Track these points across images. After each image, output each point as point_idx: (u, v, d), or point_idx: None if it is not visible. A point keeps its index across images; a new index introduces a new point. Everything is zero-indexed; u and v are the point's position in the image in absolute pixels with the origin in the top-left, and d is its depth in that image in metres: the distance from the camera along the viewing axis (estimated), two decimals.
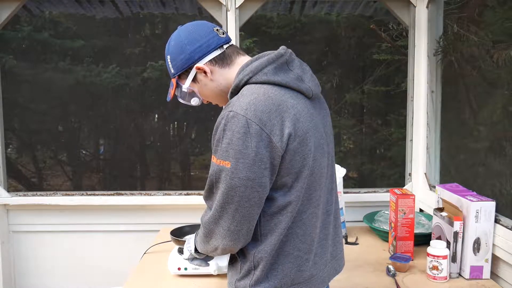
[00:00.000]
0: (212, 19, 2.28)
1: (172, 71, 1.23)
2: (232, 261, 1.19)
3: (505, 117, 2.40)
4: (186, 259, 1.35)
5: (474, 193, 1.73)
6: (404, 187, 2.34)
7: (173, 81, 1.24)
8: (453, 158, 2.60)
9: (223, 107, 1.14)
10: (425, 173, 2.26)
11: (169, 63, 1.23)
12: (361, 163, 5.16)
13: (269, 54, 1.14)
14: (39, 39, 5.06)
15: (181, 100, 1.27)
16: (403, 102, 2.42)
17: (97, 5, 2.56)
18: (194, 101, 1.26)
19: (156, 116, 5.91)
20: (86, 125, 5.84)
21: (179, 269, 1.66)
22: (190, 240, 1.32)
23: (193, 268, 1.64)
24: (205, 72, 1.18)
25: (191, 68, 1.19)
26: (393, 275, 1.66)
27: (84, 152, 6.09)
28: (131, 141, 5.68)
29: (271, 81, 1.09)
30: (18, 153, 5.75)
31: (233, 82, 1.15)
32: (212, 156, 1.08)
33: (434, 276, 1.62)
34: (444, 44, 2.25)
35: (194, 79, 1.21)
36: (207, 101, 1.28)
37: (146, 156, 5.99)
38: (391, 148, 4.82)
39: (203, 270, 1.63)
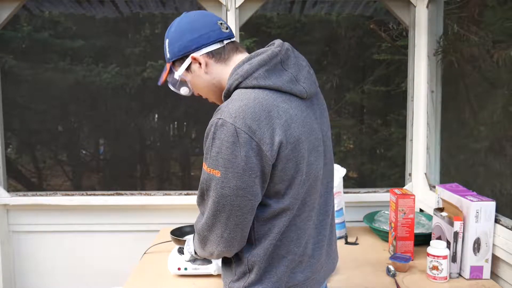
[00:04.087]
0: None
1: (168, 55, 1.19)
2: (226, 263, 1.18)
3: (505, 117, 2.40)
4: (188, 261, 1.34)
5: (474, 193, 1.73)
6: (404, 187, 2.34)
7: (167, 66, 1.21)
8: (453, 158, 2.60)
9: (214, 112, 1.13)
10: (425, 173, 2.26)
11: (167, 47, 1.19)
12: (361, 163, 5.17)
13: (262, 54, 1.10)
14: (39, 39, 5.07)
15: (171, 87, 1.24)
16: (403, 102, 2.42)
17: (97, 5, 2.56)
18: (184, 91, 1.23)
19: (156, 116, 5.91)
20: (86, 125, 5.84)
21: (179, 269, 1.66)
22: (189, 242, 1.32)
23: (193, 268, 1.64)
24: (200, 64, 1.15)
25: (186, 57, 1.16)
26: (393, 275, 1.66)
27: (84, 152, 6.10)
28: (131, 141, 5.69)
29: (262, 86, 1.05)
30: (18, 153, 5.75)
31: (226, 81, 1.13)
32: (203, 163, 1.07)
33: (434, 276, 1.62)
34: (444, 44, 2.25)
35: (188, 69, 1.18)
36: (198, 94, 1.24)
37: (146, 156, 6.00)
38: (391, 148, 4.83)
39: (203, 270, 1.63)
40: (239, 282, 1.12)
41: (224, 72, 1.15)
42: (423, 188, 2.26)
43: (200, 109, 5.54)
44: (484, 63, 2.45)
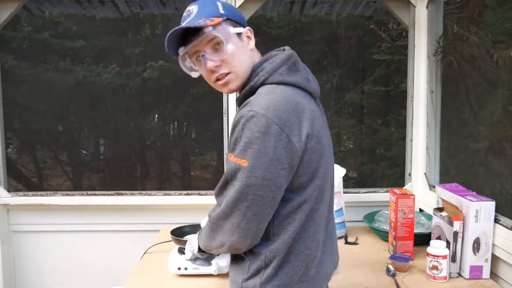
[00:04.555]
0: None
1: (223, 12, 1.14)
2: (237, 260, 1.18)
3: (505, 117, 2.40)
4: (188, 260, 1.33)
5: (474, 193, 1.73)
6: (404, 187, 2.34)
7: (218, 19, 1.11)
8: (453, 158, 2.60)
9: (240, 106, 1.13)
10: (425, 173, 2.26)
11: (219, 6, 1.14)
12: (361, 163, 5.16)
13: (279, 55, 1.15)
14: (39, 39, 5.07)
15: (217, 34, 1.10)
16: (403, 102, 2.42)
17: (97, 5, 2.56)
18: (230, 47, 1.12)
19: (156, 116, 5.91)
20: (86, 125, 5.85)
21: (179, 269, 1.66)
22: (192, 240, 1.31)
23: (193, 268, 1.65)
24: (249, 39, 1.17)
25: (242, 26, 1.17)
26: (393, 275, 1.66)
27: (84, 152, 6.10)
28: (131, 141, 5.69)
29: (286, 81, 1.10)
30: (18, 153, 5.75)
31: (247, 70, 1.15)
32: (229, 154, 1.08)
33: (434, 276, 1.62)
34: (444, 44, 2.25)
35: (238, 35, 1.15)
36: (214, 67, 1.13)
37: (146, 156, 5.99)
38: (391, 148, 4.82)
39: (203, 270, 1.63)
40: (254, 279, 1.12)
41: (252, 58, 1.17)
42: (423, 188, 2.26)
43: (200, 109, 5.54)
44: (484, 63, 2.45)
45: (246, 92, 1.14)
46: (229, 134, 1.09)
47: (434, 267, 1.62)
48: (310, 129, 1.07)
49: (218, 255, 1.36)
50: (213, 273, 1.62)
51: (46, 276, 2.42)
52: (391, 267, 1.69)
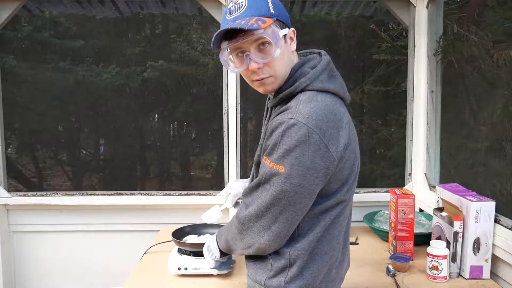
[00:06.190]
0: (212, 19, 2.28)
1: (273, 12, 1.10)
2: (257, 259, 1.18)
3: (505, 117, 2.40)
4: (213, 268, 1.33)
5: (474, 193, 1.73)
6: (404, 187, 2.34)
7: (269, 20, 1.07)
8: (453, 158, 2.60)
9: (276, 109, 1.13)
10: (425, 173, 2.26)
11: (269, 3, 1.10)
12: (361, 163, 5.16)
13: (316, 58, 1.14)
14: (39, 39, 5.07)
15: (267, 37, 1.08)
16: (403, 102, 2.42)
17: (97, 5, 2.56)
18: (277, 53, 1.09)
19: (156, 116, 5.91)
20: (86, 125, 5.84)
21: (179, 269, 1.66)
22: (210, 248, 1.31)
23: (193, 268, 1.65)
24: (292, 40, 1.15)
25: (287, 26, 1.13)
26: (393, 275, 1.66)
27: (84, 152, 6.09)
28: (131, 141, 5.69)
29: (326, 89, 1.10)
30: (18, 153, 5.75)
31: (287, 72, 1.13)
32: (264, 157, 1.08)
33: (434, 276, 1.62)
34: (444, 44, 2.25)
35: (284, 37, 1.12)
36: (256, 69, 1.11)
37: (146, 156, 5.99)
38: (391, 148, 4.82)
39: (203, 270, 1.63)
40: (278, 277, 1.13)
41: (292, 62, 1.16)
42: (423, 188, 2.26)
43: (200, 109, 5.54)
44: (484, 63, 2.45)
45: (284, 96, 1.12)
46: (265, 137, 1.10)
47: (434, 267, 1.62)
48: (347, 139, 1.08)
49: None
50: (213, 273, 1.63)
51: (46, 276, 2.42)
52: (391, 267, 1.69)
